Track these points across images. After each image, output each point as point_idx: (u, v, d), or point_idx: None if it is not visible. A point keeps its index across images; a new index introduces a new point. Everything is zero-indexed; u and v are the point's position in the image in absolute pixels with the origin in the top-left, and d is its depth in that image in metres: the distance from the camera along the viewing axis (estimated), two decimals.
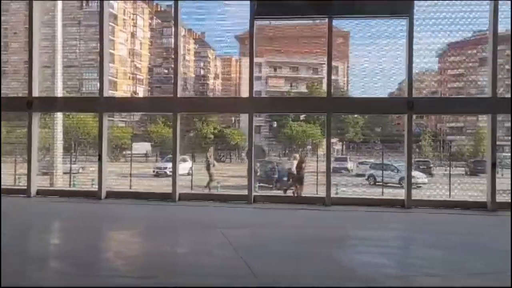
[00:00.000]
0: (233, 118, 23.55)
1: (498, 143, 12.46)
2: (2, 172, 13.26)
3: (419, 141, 23.23)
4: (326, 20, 12.68)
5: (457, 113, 16.23)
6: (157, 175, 18.94)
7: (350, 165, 20.62)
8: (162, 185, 15.10)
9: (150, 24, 29.85)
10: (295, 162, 14.74)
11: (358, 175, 18.86)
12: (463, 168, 20.62)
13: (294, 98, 20.43)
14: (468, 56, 27.54)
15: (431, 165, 20.07)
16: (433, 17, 13.47)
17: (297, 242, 8.21)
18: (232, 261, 6.87)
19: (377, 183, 16.91)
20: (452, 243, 8.43)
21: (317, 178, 13.70)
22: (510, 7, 12.28)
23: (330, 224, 10.36)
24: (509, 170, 15.14)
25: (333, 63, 13.09)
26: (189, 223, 10.05)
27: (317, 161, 14.86)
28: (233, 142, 22.33)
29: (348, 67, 25.01)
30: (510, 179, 11.99)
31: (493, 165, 11.90)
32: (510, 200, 11.80)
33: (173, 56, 13.81)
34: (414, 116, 12.83)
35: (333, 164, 19.81)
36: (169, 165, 13.70)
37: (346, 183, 16.08)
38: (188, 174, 16.12)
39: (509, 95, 14.28)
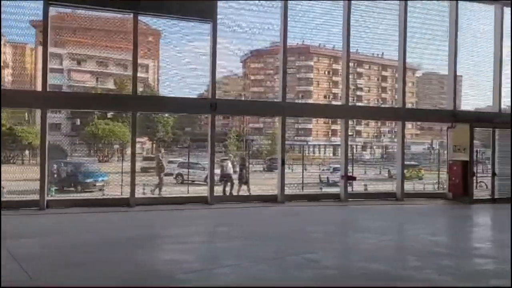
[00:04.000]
0: (26, 114, 20.89)
1: (288, 143, 14.25)
2: None
3: (225, 140, 24.88)
4: (132, 15, 12.32)
5: (256, 115, 17.85)
6: None
7: None
8: None
9: None
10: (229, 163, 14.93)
11: (166, 175, 18.94)
12: (262, 165, 22.88)
13: (99, 94, 19.23)
14: (267, 64, 30.70)
15: (235, 163, 21.60)
16: (237, 25, 14.43)
17: (94, 246, 7.77)
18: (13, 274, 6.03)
19: (184, 182, 17.31)
20: (246, 234, 9.25)
21: (122, 179, 13.21)
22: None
23: (134, 225, 10.15)
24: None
25: (144, 61, 12.80)
26: None
27: (122, 160, 14.35)
28: (26, 141, 19.78)
29: (159, 65, 24.90)
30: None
31: (283, 162, 13.50)
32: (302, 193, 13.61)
33: None
34: (221, 117, 13.51)
35: (142, 164, 19.59)
36: None
37: (155, 183, 15.96)
38: None
39: (298, 101, 16.34)
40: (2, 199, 12.34)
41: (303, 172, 17.06)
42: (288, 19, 13.90)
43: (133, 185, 12.03)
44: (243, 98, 28.73)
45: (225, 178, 15.09)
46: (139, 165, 18.24)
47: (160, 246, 8.37)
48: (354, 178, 14.97)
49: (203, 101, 13.78)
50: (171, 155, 23.31)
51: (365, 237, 9.33)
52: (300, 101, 28.55)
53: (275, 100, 14.71)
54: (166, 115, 24.40)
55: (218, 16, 13.08)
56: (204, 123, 23.78)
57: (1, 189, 11.86)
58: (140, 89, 21.77)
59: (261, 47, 21.87)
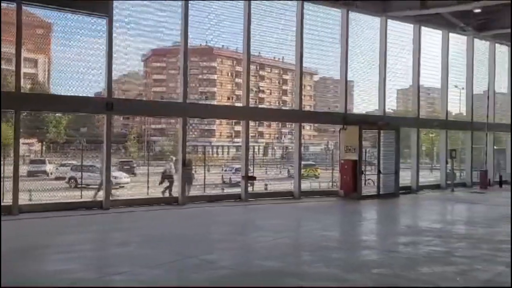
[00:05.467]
0: None
1: (191, 144, 14.10)
2: None
3: (125, 141, 23.84)
4: (15, 5, 11.25)
5: (156, 115, 17.37)
6: None
7: (49, 167, 19.05)
8: None
9: None
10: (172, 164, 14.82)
11: (58, 178, 17.62)
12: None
13: None
14: (169, 63, 30.12)
15: (135, 165, 20.85)
16: (138, 22, 13.92)
17: None
18: None
19: (78, 186, 16.22)
20: (142, 238, 8.96)
21: (2, 185, 11.91)
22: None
23: (15, 235, 9.21)
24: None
25: (31, 55, 11.71)
26: None
27: (3, 164, 12.97)
28: None
29: (50, 61, 23.03)
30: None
31: (183, 164, 13.34)
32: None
33: None
34: (121, 117, 12.92)
35: (29, 168, 17.97)
36: None
37: (43, 188, 14.70)
38: None
39: (202, 102, 16.25)
40: None
41: (205, 173, 17.03)
42: (191, 19, 13.82)
43: (16, 191, 10.95)
44: (144, 98, 27.88)
45: (167, 178, 15.08)
46: (25, 168, 16.72)
47: (45, 257, 7.70)
48: (254, 178, 15.31)
49: (99, 100, 13.06)
50: (64, 157, 21.67)
51: (262, 236, 9.58)
52: (203, 102, 28.53)
53: (176, 100, 14.46)
54: (58, 114, 22.66)
55: (116, 12, 12.53)
56: (102, 123, 22.55)
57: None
58: (28, 85, 19.97)
59: (163, 46, 21.41)
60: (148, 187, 15.64)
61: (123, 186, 16.06)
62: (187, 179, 14.93)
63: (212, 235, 9.57)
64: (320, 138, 32.88)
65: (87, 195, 13.38)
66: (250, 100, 15.73)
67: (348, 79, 17.33)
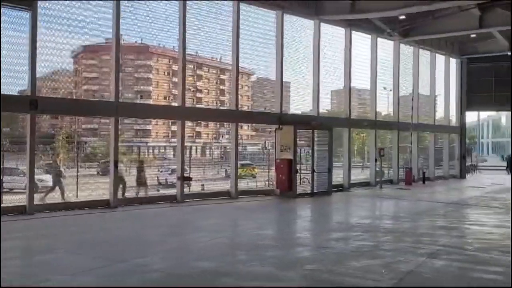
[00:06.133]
0: None
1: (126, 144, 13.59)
2: None
3: (53, 142, 22.47)
4: None
5: (86, 115, 16.52)
6: None
7: None
8: None
9: None
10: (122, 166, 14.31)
11: None
12: (96, 169, 21.40)
13: None
14: (102, 61, 28.89)
15: (62, 168, 19.71)
16: (68, 17, 13.22)
17: None
18: None
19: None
20: (70, 244, 8.57)
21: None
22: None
23: None
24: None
25: None
26: None
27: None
28: None
29: None
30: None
31: (115, 165, 12.90)
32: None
33: None
34: (49, 117, 12.18)
35: None
36: None
37: None
38: None
39: (137, 101, 15.73)
40: None
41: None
42: (125, 16, 13.45)
43: None
44: (74, 97, 26.50)
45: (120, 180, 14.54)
46: None
47: None
48: (190, 179, 15.16)
49: (21, 99, 12.24)
50: None
51: (198, 236, 9.52)
52: (138, 102, 27.70)
53: (108, 99, 13.93)
54: None
55: (41, 6, 11.85)
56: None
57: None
58: None
59: (96, 43, 20.49)
60: (77, 190, 14.89)
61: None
62: (141, 182, 14.96)
63: (145, 237, 9.33)
64: (258, 138, 33.23)
65: (10, 200, 12.46)
66: (188, 99, 15.56)
67: (284, 80, 17.69)
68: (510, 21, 18.34)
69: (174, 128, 21.13)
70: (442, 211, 13.64)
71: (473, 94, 26.99)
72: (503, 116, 69.41)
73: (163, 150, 30.33)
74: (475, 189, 20.19)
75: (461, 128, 27.45)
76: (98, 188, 14.55)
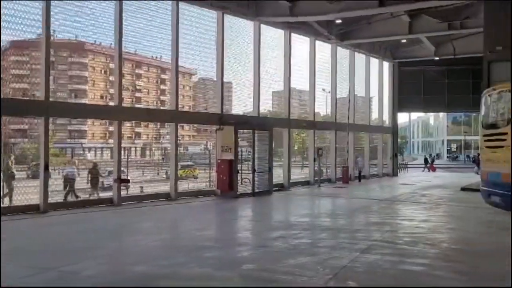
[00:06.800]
0: None
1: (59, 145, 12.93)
2: None
3: None
4: None
5: (11, 115, 15.39)
6: None
7: None
8: None
9: None
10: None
11: None
12: (27, 172, 20.14)
13: None
14: (32, 57, 27.27)
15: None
16: None
17: None
18: None
19: None
20: None
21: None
22: None
23: None
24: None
25: None
26: None
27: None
28: None
29: None
30: None
31: (46, 168, 12.23)
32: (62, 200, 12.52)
33: None
34: None
35: None
36: None
37: None
38: None
39: (72, 100, 14.99)
40: None
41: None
42: (58, 10, 12.89)
43: None
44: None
45: (69, 182, 14.87)
46: None
47: None
48: (127, 181, 14.73)
49: None
50: None
51: (135, 240, 9.25)
52: (72, 101, 26.44)
53: (38, 98, 13.17)
54: None
55: None
56: None
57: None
58: None
59: (26, 38, 19.29)
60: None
61: None
62: (94, 184, 14.86)
63: (77, 243, 8.89)
64: (200, 138, 32.96)
65: None
66: (127, 99, 15.09)
67: (226, 80, 17.67)
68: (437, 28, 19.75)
69: (112, 128, 20.40)
70: (376, 207, 14.28)
71: (404, 96, 28.54)
72: (431, 117, 74.23)
73: (99, 151, 29.21)
74: (406, 186, 21.35)
75: (394, 129, 28.92)
76: (27, 193, 13.71)
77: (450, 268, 7.04)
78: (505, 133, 9.42)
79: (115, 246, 8.93)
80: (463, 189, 18.83)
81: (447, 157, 62.94)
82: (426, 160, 38.53)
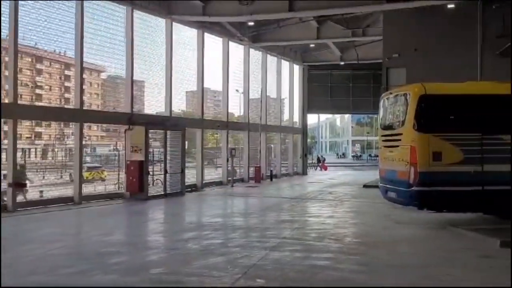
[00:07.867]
0: None
1: None
2: None
3: None
4: None
5: None
6: None
7: None
8: None
9: None
10: None
11: None
12: None
13: None
14: None
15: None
16: None
17: None
18: None
19: None
20: None
21: None
22: None
23: None
24: None
25: None
26: None
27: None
28: None
29: None
30: None
31: None
32: None
33: None
34: None
35: None
36: None
37: None
38: None
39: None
40: None
41: None
42: None
43: None
44: None
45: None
46: None
47: None
48: (24, 185, 13.53)
49: None
50: None
51: (30, 249, 8.47)
52: None
53: None
54: None
55: None
56: None
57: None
58: None
59: None
60: None
61: None
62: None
63: None
64: (110, 139, 31.40)
65: None
66: (25, 96, 13.84)
67: (139, 78, 16.99)
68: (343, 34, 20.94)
69: (6, 128, 18.68)
70: (286, 205, 14.71)
71: (313, 98, 29.88)
72: (338, 118, 78.69)
73: None
74: (314, 184, 22.32)
75: (303, 129, 30.11)
76: None
77: (352, 261, 7.46)
78: (400, 134, 10.20)
79: (4, 258, 8.06)
80: (365, 186, 20.17)
81: (352, 156, 67.07)
82: (318, 159, 41.03)
